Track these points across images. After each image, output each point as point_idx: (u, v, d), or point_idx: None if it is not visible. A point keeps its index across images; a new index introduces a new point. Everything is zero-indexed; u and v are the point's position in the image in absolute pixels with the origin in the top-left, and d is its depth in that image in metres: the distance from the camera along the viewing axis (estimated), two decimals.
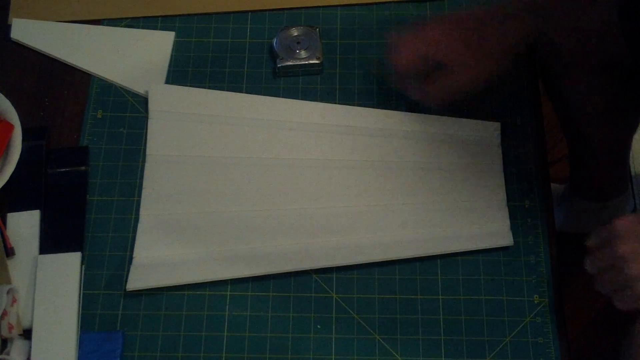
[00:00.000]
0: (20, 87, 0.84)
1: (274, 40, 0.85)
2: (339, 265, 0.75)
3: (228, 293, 0.74)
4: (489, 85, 0.76)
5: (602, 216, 1.24)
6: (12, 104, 0.78)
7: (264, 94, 0.84)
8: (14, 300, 0.71)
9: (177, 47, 0.86)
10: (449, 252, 0.75)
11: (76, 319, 0.72)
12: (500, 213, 0.78)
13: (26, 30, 0.87)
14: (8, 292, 0.71)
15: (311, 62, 0.84)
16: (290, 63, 0.84)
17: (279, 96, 0.83)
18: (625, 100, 0.94)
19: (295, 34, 0.85)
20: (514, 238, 0.76)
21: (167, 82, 0.84)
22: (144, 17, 0.88)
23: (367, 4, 0.88)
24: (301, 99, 0.83)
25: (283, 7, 0.88)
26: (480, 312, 0.73)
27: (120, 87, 0.84)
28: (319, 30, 0.85)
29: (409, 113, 0.82)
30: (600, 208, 1.22)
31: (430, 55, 0.74)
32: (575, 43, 0.80)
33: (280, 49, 0.84)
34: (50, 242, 0.75)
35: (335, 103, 0.83)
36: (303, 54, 0.84)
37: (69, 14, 0.88)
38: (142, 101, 0.83)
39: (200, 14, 0.88)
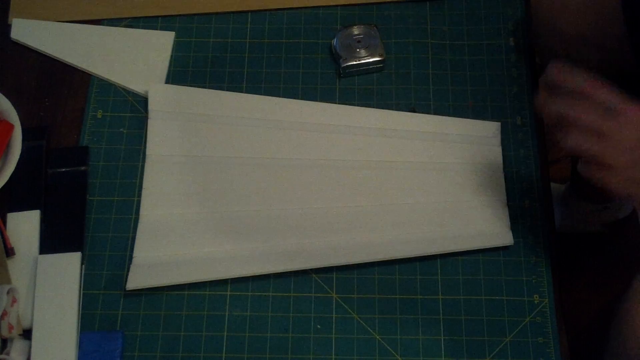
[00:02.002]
0: (20, 87, 0.84)
1: (334, 41, 0.85)
2: (339, 265, 0.75)
3: (228, 293, 0.74)
4: None
5: (603, 217, 1.24)
6: (12, 104, 0.78)
7: (264, 94, 0.84)
8: (14, 300, 0.71)
9: (177, 47, 0.86)
10: (449, 252, 0.75)
11: (76, 319, 0.72)
12: (500, 213, 0.78)
13: (26, 30, 0.87)
14: (8, 292, 0.71)
15: (374, 59, 0.84)
16: (353, 62, 0.83)
17: (280, 96, 0.83)
18: None
19: (356, 32, 0.85)
20: (514, 238, 0.76)
21: (167, 82, 0.84)
22: (144, 17, 0.88)
23: (367, 4, 0.88)
24: (301, 99, 0.83)
25: (283, 7, 0.88)
26: (480, 312, 0.73)
27: (120, 87, 0.84)
28: (377, 27, 0.85)
29: (409, 113, 0.82)
30: (600, 209, 1.22)
31: None
32: (575, 51, 0.80)
33: (341, 48, 0.84)
34: (50, 242, 0.75)
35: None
36: (363, 53, 0.84)
37: (69, 14, 0.88)
38: (142, 101, 0.83)
39: (200, 14, 0.88)
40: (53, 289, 0.73)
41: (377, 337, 0.73)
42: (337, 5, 0.88)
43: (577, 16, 0.78)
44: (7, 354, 0.70)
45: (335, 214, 0.77)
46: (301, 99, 0.83)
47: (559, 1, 0.81)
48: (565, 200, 1.25)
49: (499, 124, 0.82)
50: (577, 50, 0.80)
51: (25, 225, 0.76)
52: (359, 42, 0.85)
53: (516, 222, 0.77)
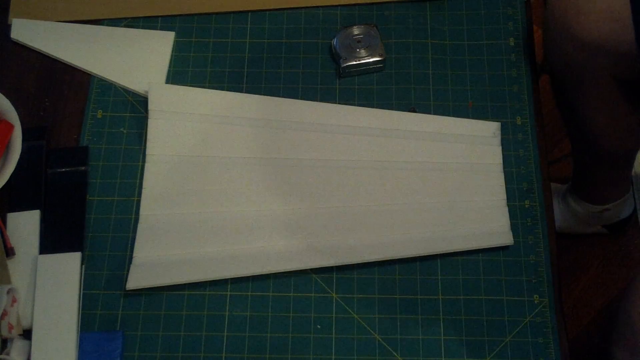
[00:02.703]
0: (20, 87, 0.84)
1: (334, 41, 0.85)
2: (339, 265, 0.75)
3: (228, 293, 0.74)
4: None
5: (603, 218, 1.24)
6: (12, 104, 0.78)
7: (264, 94, 0.84)
8: (14, 300, 0.71)
9: (177, 47, 0.86)
10: (449, 252, 0.75)
11: (76, 319, 0.72)
12: (500, 213, 0.78)
13: (26, 30, 0.87)
14: (8, 292, 0.71)
15: (374, 59, 0.83)
16: (353, 62, 0.83)
17: (278, 96, 0.83)
18: (636, 113, 0.94)
19: (356, 32, 0.85)
20: (514, 238, 0.76)
21: (167, 82, 0.84)
22: (144, 17, 0.88)
23: (367, 4, 0.88)
24: (301, 99, 0.83)
25: (283, 7, 0.88)
26: (480, 312, 0.73)
27: (120, 87, 0.84)
28: (377, 27, 0.85)
29: (409, 113, 0.82)
30: (600, 211, 1.22)
31: None
32: (589, 57, 0.80)
33: (341, 48, 0.84)
34: (50, 242, 0.75)
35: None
36: (363, 53, 0.84)
37: (69, 14, 0.88)
38: (142, 101, 0.83)
39: (200, 14, 0.88)
40: (53, 289, 0.73)
41: (377, 337, 0.73)
42: (337, 5, 0.88)
43: (591, 21, 0.78)
44: (7, 354, 0.70)
45: (336, 214, 0.77)
46: (301, 99, 0.83)
47: (573, 7, 0.81)
48: (565, 202, 1.25)
49: (499, 124, 0.82)
50: (590, 55, 0.80)
51: (25, 225, 0.76)
52: (359, 42, 0.85)
53: (516, 222, 0.77)
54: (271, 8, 0.88)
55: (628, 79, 0.83)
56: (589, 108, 0.92)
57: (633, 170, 1.36)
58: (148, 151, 0.80)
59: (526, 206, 0.78)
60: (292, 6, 0.88)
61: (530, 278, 0.75)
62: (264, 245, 0.75)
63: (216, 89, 0.84)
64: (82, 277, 0.74)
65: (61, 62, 0.86)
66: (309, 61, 0.86)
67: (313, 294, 0.74)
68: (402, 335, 0.73)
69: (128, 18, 0.88)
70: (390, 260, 0.75)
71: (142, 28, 0.88)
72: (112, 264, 0.75)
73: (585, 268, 1.30)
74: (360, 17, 0.88)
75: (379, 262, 0.75)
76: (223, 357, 0.72)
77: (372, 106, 0.83)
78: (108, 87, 0.84)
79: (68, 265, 0.74)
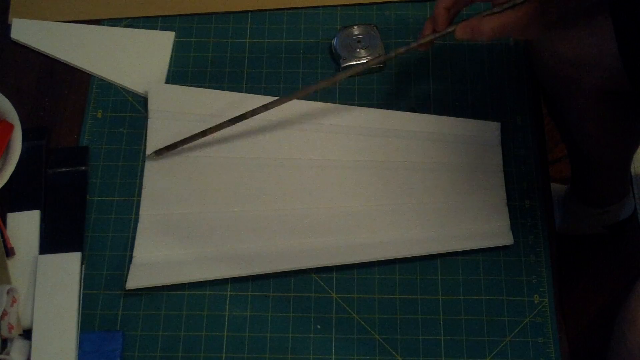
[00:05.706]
0: (20, 87, 0.84)
1: (334, 41, 0.85)
2: (339, 264, 0.75)
3: (228, 293, 0.74)
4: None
5: (604, 220, 1.24)
6: (12, 104, 0.78)
7: (264, 94, 0.84)
8: (14, 300, 0.71)
9: (177, 47, 0.87)
10: (449, 252, 0.75)
11: (76, 319, 0.72)
12: (500, 213, 0.78)
13: (26, 30, 0.87)
14: (8, 292, 0.71)
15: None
16: (353, 63, 0.83)
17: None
18: (626, 123, 0.94)
19: (356, 32, 0.85)
20: (514, 238, 0.76)
21: (167, 82, 0.84)
22: (144, 17, 0.88)
23: (367, 4, 0.88)
24: (301, 99, 0.83)
25: (283, 7, 0.88)
26: (480, 312, 0.73)
27: (120, 87, 0.84)
28: (377, 27, 0.85)
29: (409, 113, 0.82)
30: (601, 213, 1.22)
31: None
32: (573, 71, 0.80)
33: (341, 48, 0.84)
34: (50, 242, 0.75)
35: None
36: (363, 53, 0.84)
37: (69, 14, 0.88)
38: (142, 101, 0.83)
39: (200, 14, 0.88)
40: (53, 289, 0.73)
41: (377, 337, 0.73)
42: (337, 5, 0.88)
43: (573, 37, 0.78)
44: (7, 354, 0.69)
45: (335, 214, 0.77)
46: (301, 99, 0.83)
47: None
48: (565, 204, 1.25)
49: (499, 124, 0.82)
50: (574, 69, 0.80)
51: (25, 225, 0.76)
52: (359, 42, 0.85)
53: (516, 222, 0.77)
54: (271, 8, 0.88)
55: (615, 90, 0.83)
56: (578, 119, 0.92)
57: (633, 171, 1.36)
58: (148, 151, 0.80)
59: (526, 206, 0.78)
60: (292, 6, 0.88)
61: (530, 278, 0.75)
62: (264, 245, 0.75)
63: (216, 89, 0.84)
64: (82, 277, 0.74)
65: (61, 62, 0.86)
66: (309, 61, 0.86)
67: (313, 294, 0.74)
68: (402, 335, 0.73)
69: (128, 18, 0.88)
70: (390, 260, 0.75)
71: (142, 28, 0.88)
72: (112, 264, 0.75)
73: (586, 268, 1.30)
74: (360, 17, 0.88)
75: (379, 262, 0.75)
76: (223, 357, 0.72)
77: (372, 106, 0.83)
78: (108, 87, 0.84)
79: (68, 265, 0.74)
